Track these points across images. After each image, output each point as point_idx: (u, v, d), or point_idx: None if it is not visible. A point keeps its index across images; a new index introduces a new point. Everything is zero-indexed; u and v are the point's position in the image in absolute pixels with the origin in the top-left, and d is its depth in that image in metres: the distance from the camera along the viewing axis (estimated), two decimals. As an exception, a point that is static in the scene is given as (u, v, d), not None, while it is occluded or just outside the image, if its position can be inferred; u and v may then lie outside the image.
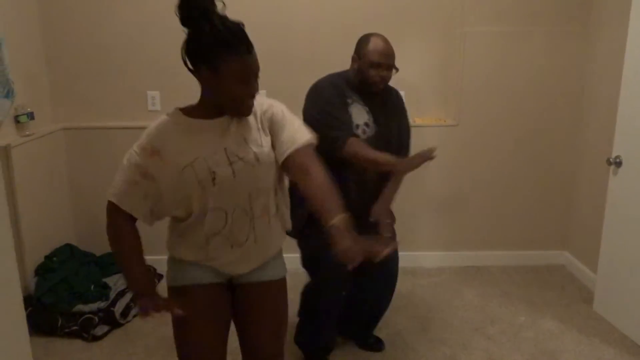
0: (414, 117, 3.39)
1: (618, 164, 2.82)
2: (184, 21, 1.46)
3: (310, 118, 2.20)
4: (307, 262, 2.47)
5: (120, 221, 1.59)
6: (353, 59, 2.35)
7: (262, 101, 1.65)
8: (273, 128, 1.64)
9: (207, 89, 1.55)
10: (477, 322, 2.98)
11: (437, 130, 3.44)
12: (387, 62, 2.28)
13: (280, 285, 1.80)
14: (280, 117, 1.64)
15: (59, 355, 2.68)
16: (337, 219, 1.48)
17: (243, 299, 1.75)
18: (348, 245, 1.43)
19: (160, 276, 3.43)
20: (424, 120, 3.42)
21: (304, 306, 2.56)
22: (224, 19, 1.46)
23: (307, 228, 2.19)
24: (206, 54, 1.45)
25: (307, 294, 2.54)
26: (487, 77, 3.41)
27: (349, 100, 2.31)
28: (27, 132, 2.99)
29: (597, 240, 3.04)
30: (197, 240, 1.63)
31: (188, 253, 1.66)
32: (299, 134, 1.63)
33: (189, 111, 1.60)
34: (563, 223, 3.66)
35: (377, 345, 2.73)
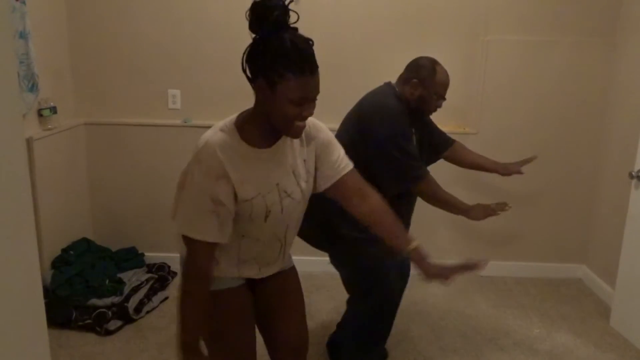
0: (434, 124, 3.37)
1: (640, 177, 2.78)
2: (253, 26, 1.39)
3: (389, 150, 2.17)
4: (366, 275, 2.31)
5: (205, 261, 1.49)
6: (414, 85, 2.25)
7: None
8: (321, 150, 1.63)
9: (261, 101, 1.46)
10: (491, 332, 2.95)
11: (456, 137, 3.37)
12: (446, 93, 2.31)
13: (294, 271, 1.84)
14: (328, 141, 1.65)
15: (72, 347, 2.71)
16: (415, 243, 1.59)
17: (265, 291, 1.75)
18: (437, 268, 1.55)
19: (174, 274, 3.45)
20: (444, 127, 3.37)
21: (366, 325, 2.43)
22: (294, 34, 1.39)
23: (357, 243, 2.21)
24: (267, 66, 1.38)
25: (370, 310, 2.38)
26: (508, 86, 3.38)
27: (413, 132, 2.30)
28: (50, 126, 3.03)
29: (616, 255, 2.99)
30: (229, 261, 1.62)
31: (219, 272, 1.63)
32: (346, 159, 1.66)
33: (245, 134, 1.49)
34: (582, 236, 3.60)
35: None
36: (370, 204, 1.63)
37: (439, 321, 3.05)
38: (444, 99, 2.31)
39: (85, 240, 3.32)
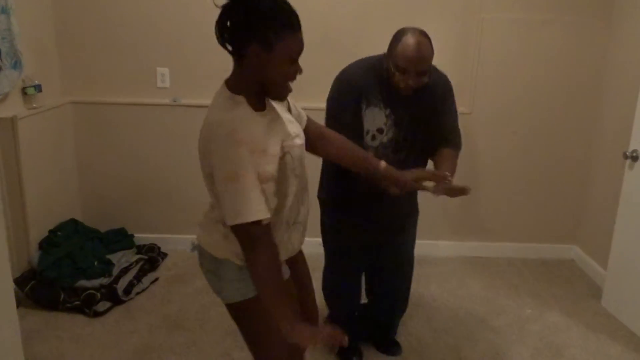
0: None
1: (634, 158, 2.75)
2: None
3: (327, 113, 2.14)
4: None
5: (273, 243, 1.43)
6: (385, 57, 2.08)
7: None
8: (287, 103, 1.67)
9: (251, 68, 1.41)
10: (483, 313, 2.94)
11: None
12: (415, 69, 1.95)
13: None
14: None
15: (61, 329, 2.68)
16: (384, 163, 1.76)
17: (294, 271, 1.72)
18: (410, 175, 1.81)
19: (165, 255, 3.42)
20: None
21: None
22: None
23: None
24: (262, 29, 1.34)
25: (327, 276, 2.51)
26: (503, 66, 3.33)
27: (363, 106, 2.08)
28: (35, 105, 2.96)
29: (608, 236, 2.99)
30: (280, 235, 1.53)
31: None
32: (299, 108, 1.72)
33: (249, 101, 1.45)
34: (574, 217, 3.60)
35: (392, 349, 2.61)
36: (334, 142, 1.75)
37: (431, 302, 3.05)
38: (422, 73, 1.98)
39: (73, 221, 3.27)
